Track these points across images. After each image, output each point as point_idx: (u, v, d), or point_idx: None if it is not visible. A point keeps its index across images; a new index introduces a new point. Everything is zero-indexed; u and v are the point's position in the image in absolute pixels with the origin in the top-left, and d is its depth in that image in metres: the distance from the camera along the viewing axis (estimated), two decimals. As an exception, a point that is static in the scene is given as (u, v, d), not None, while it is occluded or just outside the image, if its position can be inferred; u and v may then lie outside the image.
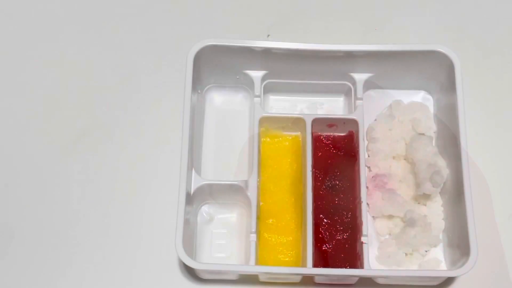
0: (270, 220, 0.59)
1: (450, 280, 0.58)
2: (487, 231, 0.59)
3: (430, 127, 0.62)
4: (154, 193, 0.60)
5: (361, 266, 0.56)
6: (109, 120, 0.63)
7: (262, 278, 0.57)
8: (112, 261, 0.58)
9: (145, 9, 0.68)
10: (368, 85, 0.63)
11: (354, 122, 0.61)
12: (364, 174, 0.59)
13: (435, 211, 0.59)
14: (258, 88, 0.62)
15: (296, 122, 0.61)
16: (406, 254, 0.58)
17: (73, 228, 0.59)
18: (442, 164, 0.58)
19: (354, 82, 0.62)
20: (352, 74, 0.62)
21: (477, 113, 0.63)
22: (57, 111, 0.64)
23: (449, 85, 0.60)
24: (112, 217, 0.60)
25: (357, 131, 0.61)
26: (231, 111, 0.64)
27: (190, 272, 0.58)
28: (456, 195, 0.57)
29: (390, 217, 0.59)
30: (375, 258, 0.58)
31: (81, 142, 0.62)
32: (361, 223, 0.57)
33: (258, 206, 0.58)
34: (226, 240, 0.59)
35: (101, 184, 0.61)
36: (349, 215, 0.59)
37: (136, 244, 0.59)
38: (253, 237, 0.57)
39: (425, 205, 0.59)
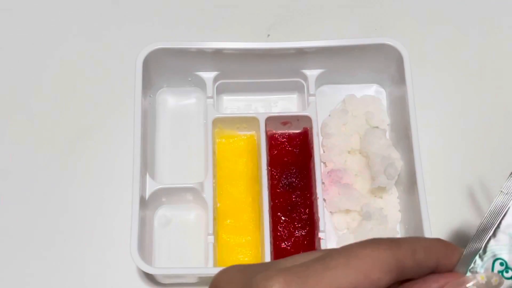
0: (228, 221, 0.59)
1: (409, 271, 0.58)
2: (443, 221, 0.59)
3: (384, 120, 0.62)
4: (110, 200, 0.60)
5: (320, 262, 0.56)
6: (62, 128, 0.62)
7: (221, 279, 0.57)
8: (69, 269, 0.58)
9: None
10: (321, 81, 0.63)
11: (308, 119, 0.61)
12: (319, 170, 0.59)
13: (391, 203, 0.59)
14: (210, 89, 0.62)
15: (250, 122, 0.61)
16: (364, 248, 0.58)
17: (26, 235, 0.59)
18: (395, 156, 0.59)
19: (306, 79, 0.62)
20: (303, 70, 0.62)
21: (428, 103, 0.63)
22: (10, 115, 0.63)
23: (399, 77, 0.60)
24: (68, 225, 0.59)
25: (311, 128, 0.61)
26: (184, 114, 0.63)
27: (149, 277, 0.58)
28: (410, 187, 0.57)
29: (347, 211, 0.59)
30: (334, 253, 0.58)
31: (29, 149, 0.62)
32: (318, 219, 0.57)
33: (215, 208, 0.58)
34: (184, 243, 0.59)
35: (55, 194, 0.60)
36: (307, 212, 0.59)
37: (93, 251, 0.58)
38: (211, 238, 0.56)
39: (381, 197, 0.60)
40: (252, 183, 0.60)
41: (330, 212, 0.60)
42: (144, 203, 0.57)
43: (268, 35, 0.67)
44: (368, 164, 0.60)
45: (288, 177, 0.60)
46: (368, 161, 0.60)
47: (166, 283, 0.57)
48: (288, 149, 0.62)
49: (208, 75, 0.62)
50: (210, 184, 0.58)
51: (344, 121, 0.62)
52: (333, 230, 0.59)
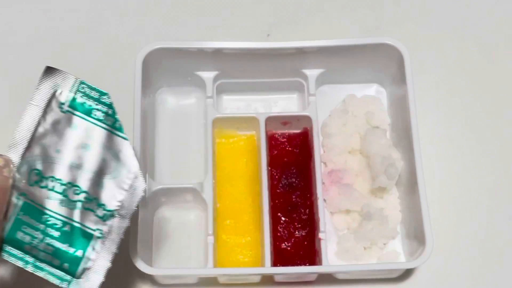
0: (228, 221, 0.59)
1: (409, 271, 0.58)
2: (444, 221, 0.59)
3: (384, 120, 0.62)
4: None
5: (320, 263, 0.56)
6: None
7: (221, 280, 0.57)
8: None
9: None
10: (321, 80, 0.63)
11: (308, 119, 0.61)
12: (320, 170, 0.58)
13: (392, 204, 0.59)
14: (210, 89, 0.62)
15: (250, 122, 0.61)
16: (364, 248, 0.58)
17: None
18: (396, 156, 0.59)
19: (306, 79, 0.62)
20: (303, 70, 0.62)
21: (429, 103, 0.63)
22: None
23: (400, 77, 0.60)
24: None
25: (311, 128, 0.61)
26: (184, 114, 0.63)
27: (149, 278, 0.57)
28: (410, 187, 0.57)
29: (348, 211, 0.59)
30: (334, 254, 0.58)
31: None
32: (318, 220, 0.57)
33: (214, 208, 0.58)
34: (184, 243, 0.59)
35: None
36: (307, 212, 0.59)
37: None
38: (211, 239, 0.56)
39: (382, 198, 0.59)
40: (252, 183, 0.60)
41: (331, 212, 0.60)
42: (144, 203, 0.56)
43: (268, 35, 0.67)
44: (369, 164, 0.59)
45: (288, 177, 0.60)
46: (369, 161, 0.59)
47: (166, 283, 0.57)
48: (288, 149, 0.61)
49: (208, 75, 0.62)
50: (210, 184, 0.58)
51: (344, 121, 0.62)
52: (334, 231, 0.59)
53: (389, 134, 0.62)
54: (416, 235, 0.56)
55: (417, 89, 0.59)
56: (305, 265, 0.57)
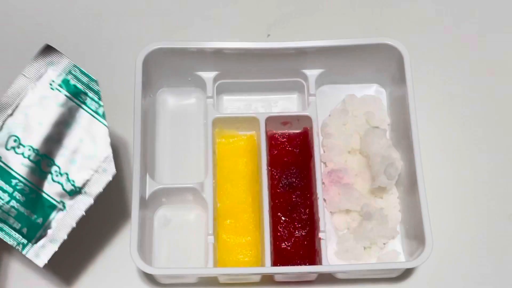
0: (228, 221, 0.59)
1: (409, 271, 0.58)
2: (443, 221, 0.59)
3: (384, 120, 0.62)
4: (110, 200, 0.60)
5: (320, 262, 0.56)
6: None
7: (221, 279, 0.57)
8: (68, 269, 0.58)
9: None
10: (321, 80, 0.63)
11: (308, 119, 0.61)
12: (319, 170, 0.59)
13: (392, 203, 0.59)
14: (210, 89, 0.62)
15: (250, 122, 0.61)
16: (364, 248, 0.58)
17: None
18: (396, 156, 0.59)
19: (306, 79, 0.62)
20: (303, 70, 0.62)
21: (428, 103, 0.63)
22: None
23: (400, 77, 0.60)
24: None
25: (311, 128, 0.61)
26: (185, 114, 0.63)
27: (149, 278, 0.58)
28: (410, 187, 0.57)
29: (348, 211, 0.59)
30: (334, 253, 0.58)
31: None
32: (318, 219, 0.57)
33: (215, 208, 0.58)
34: (184, 243, 0.59)
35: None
36: (307, 212, 0.59)
37: (93, 251, 0.58)
38: (211, 238, 0.56)
39: (382, 197, 0.59)
40: (252, 183, 0.60)
41: (330, 212, 0.60)
42: (144, 203, 0.57)
43: (268, 35, 0.67)
44: (369, 164, 0.60)
45: (288, 177, 0.60)
46: (368, 161, 0.59)
47: (166, 283, 0.57)
48: (288, 149, 0.61)
49: (208, 75, 0.62)
50: (210, 184, 0.58)
51: (344, 121, 0.62)
52: (333, 230, 0.59)
53: (389, 134, 0.62)
54: (416, 235, 0.56)
55: (417, 89, 0.59)
56: (305, 264, 0.57)
